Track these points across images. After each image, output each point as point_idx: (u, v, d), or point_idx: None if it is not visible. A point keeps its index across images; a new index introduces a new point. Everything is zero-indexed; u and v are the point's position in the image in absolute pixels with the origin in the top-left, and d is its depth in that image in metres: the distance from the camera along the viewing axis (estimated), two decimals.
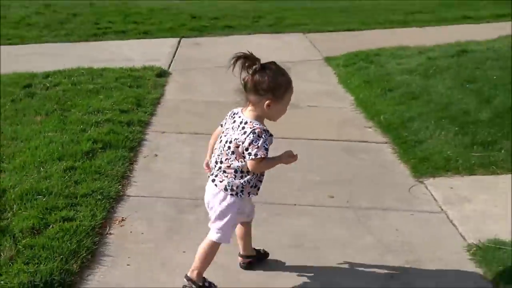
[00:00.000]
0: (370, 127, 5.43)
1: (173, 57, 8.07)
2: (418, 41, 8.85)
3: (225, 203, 2.82)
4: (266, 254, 3.28)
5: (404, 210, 3.88)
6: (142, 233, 3.52)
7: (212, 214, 2.89)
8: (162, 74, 6.96)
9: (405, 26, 10.67)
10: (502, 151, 4.57)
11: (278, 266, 3.26)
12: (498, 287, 3.03)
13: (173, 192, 4.04)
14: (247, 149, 2.66)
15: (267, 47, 8.98)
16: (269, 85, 2.67)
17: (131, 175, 4.27)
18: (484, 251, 3.31)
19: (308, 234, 3.58)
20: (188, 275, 2.93)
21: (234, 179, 2.78)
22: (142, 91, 6.15)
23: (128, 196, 3.97)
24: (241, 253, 3.19)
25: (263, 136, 2.65)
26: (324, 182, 4.27)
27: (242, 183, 2.79)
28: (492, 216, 3.76)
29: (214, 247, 2.91)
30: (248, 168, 2.73)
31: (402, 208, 3.91)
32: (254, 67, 2.67)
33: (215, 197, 2.84)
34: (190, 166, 4.45)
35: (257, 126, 2.68)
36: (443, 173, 4.37)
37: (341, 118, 5.73)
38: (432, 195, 4.09)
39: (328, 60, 8.05)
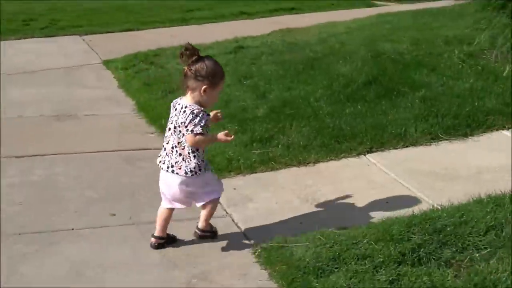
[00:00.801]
0: (152, 133, 5.26)
1: None
2: (197, 39, 8.82)
3: (196, 182, 3.26)
4: (174, 238, 3.51)
5: (189, 219, 3.77)
6: None
7: (193, 194, 3.33)
8: None
9: (185, 24, 10.69)
10: (279, 146, 4.69)
11: None
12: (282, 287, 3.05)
13: None
14: (186, 126, 3.11)
15: (40, 52, 8.35)
16: (207, 72, 3.11)
17: None
18: (268, 252, 3.32)
19: (89, 261, 3.29)
20: (199, 227, 3.47)
21: (190, 160, 3.20)
22: None
23: None
24: (155, 234, 3.43)
25: (200, 115, 3.10)
26: (104, 199, 4.00)
27: (197, 163, 3.21)
28: (274, 213, 3.82)
29: (216, 203, 3.45)
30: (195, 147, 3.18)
31: (187, 216, 3.80)
32: (194, 57, 3.12)
33: (182, 185, 3.24)
34: None
35: (195, 107, 3.13)
36: (226, 174, 4.35)
37: (122, 126, 5.47)
38: None
39: (107, 63, 7.73)
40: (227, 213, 3.86)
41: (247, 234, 3.60)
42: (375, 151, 4.65)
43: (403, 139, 4.76)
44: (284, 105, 5.57)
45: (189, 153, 3.19)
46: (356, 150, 4.63)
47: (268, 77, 6.56)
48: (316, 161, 4.51)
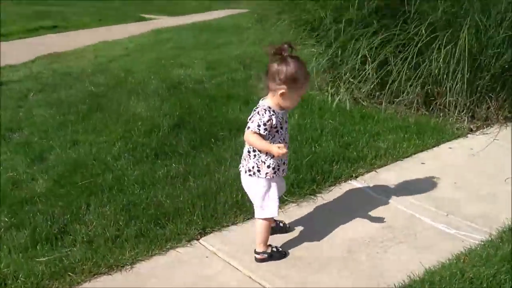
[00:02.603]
0: None
1: None
2: None
3: (253, 186, 3.03)
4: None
5: None
6: None
7: (252, 198, 3.10)
8: None
9: None
10: (77, 244, 3.24)
11: None
12: None
13: None
14: (247, 123, 2.91)
15: None
16: (286, 76, 2.80)
17: None
18: None
19: None
20: (256, 250, 3.14)
21: (249, 159, 2.99)
22: None
23: None
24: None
25: (260, 113, 2.85)
26: None
27: (256, 163, 2.97)
28: None
29: (265, 224, 3.11)
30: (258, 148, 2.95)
31: None
32: (278, 56, 2.82)
33: (245, 183, 3.08)
34: None
35: (261, 105, 2.88)
36: None
37: None
38: None
39: None
40: None
41: None
42: (210, 232, 3.46)
43: (241, 209, 3.64)
44: (73, 171, 4.12)
45: (249, 151, 3.01)
46: (186, 235, 3.40)
47: (43, 126, 5.04)
48: (135, 260, 3.17)
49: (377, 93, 5.29)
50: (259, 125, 2.84)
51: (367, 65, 5.12)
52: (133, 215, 3.53)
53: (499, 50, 4.76)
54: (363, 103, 5.38)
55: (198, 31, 12.11)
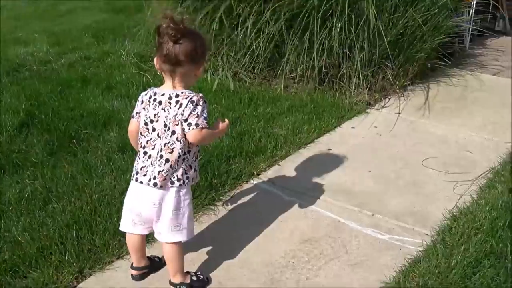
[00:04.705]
0: None
1: None
2: None
3: (175, 200, 2.36)
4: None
5: None
6: None
7: (166, 218, 2.38)
8: None
9: None
10: None
11: None
12: None
13: None
14: (186, 120, 2.26)
15: None
16: (203, 48, 2.30)
17: None
18: None
19: None
20: (172, 281, 2.52)
21: (177, 165, 2.33)
22: None
23: None
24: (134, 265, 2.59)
25: (200, 104, 2.27)
26: None
27: (184, 168, 2.35)
28: None
29: (181, 247, 2.47)
30: (188, 148, 2.32)
31: None
32: (178, 35, 2.20)
33: (160, 199, 2.35)
34: None
35: (192, 94, 2.28)
36: None
37: None
38: None
39: None
40: None
41: None
42: (89, 275, 2.61)
43: (123, 238, 2.83)
44: None
45: (179, 154, 2.31)
46: (58, 283, 2.52)
47: None
48: None
49: (261, 67, 4.63)
50: (205, 118, 2.27)
51: (248, 36, 4.43)
52: None
53: (397, 14, 4.30)
54: (246, 80, 4.70)
55: None
